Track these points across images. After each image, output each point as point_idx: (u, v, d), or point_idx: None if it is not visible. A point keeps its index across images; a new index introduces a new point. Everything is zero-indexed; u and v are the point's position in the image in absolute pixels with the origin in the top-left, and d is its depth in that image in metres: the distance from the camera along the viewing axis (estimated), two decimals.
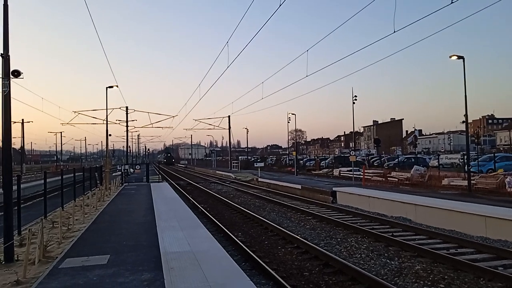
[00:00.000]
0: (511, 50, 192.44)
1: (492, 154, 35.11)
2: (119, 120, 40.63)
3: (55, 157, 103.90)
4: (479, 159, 32.42)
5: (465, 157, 24.92)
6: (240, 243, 10.67)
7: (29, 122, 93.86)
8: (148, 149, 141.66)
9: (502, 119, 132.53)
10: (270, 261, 9.34)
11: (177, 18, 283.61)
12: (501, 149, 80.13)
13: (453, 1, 12.35)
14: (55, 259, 8.05)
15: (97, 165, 36.32)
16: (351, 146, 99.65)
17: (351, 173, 29.76)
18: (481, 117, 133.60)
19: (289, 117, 50.87)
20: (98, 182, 26.97)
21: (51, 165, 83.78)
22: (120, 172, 33.56)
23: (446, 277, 7.73)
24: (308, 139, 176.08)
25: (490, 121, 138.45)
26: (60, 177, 17.11)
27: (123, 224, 11.86)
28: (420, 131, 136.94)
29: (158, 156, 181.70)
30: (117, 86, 28.07)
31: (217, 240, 9.60)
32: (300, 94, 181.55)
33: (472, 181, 20.30)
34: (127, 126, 38.44)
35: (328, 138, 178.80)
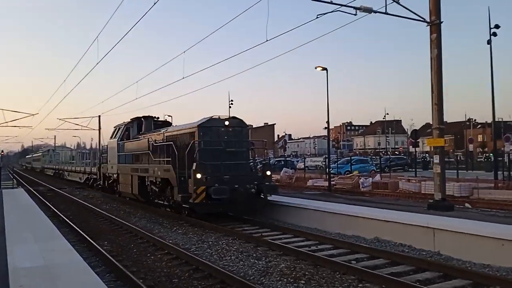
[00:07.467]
0: (368, 63, 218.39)
1: (349, 158, 39.15)
2: None
3: None
4: (338, 162, 35.89)
5: (327, 160, 27.30)
6: (105, 253, 9.98)
7: None
8: (2, 151, 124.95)
9: (359, 125, 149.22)
10: (137, 269, 8.91)
11: (42, 7, 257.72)
12: (357, 152, 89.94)
13: (317, 16, 13.54)
14: None
15: None
16: None
17: None
18: (341, 124, 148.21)
19: (166, 119, 49.77)
20: None
21: None
22: None
23: (307, 273, 8.24)
24: None
25: (348, 127, 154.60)
26: None
27: None
28: (290, 135, 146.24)
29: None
30: None
31: (78, 251, 8.81)
32: (176, 96, 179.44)
33: (332, 182, 22.33)
34: None
35: None
